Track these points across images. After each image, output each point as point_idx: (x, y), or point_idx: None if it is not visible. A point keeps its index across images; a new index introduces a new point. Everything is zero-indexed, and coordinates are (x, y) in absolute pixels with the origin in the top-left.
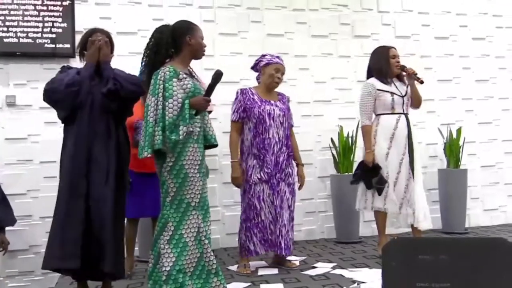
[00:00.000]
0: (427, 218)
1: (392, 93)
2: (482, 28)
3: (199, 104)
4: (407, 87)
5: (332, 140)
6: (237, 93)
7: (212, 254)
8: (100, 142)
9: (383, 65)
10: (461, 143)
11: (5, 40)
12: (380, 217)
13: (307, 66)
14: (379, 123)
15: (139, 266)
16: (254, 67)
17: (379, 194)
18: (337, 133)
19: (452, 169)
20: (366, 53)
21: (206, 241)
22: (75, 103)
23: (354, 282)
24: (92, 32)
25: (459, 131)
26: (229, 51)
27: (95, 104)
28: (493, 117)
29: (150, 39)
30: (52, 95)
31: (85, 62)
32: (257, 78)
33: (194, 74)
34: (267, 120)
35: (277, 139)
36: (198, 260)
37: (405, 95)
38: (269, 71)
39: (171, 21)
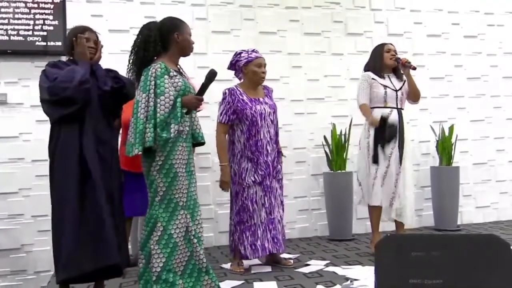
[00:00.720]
0: (413, 215)
1: (385, 86)
2: (474, 26)
3: (191, 103)
4: (403, 82)
5: (325, 137)
6: (225, 93)
7: (202, 253)
8: (104, 141)
9: (377, 60)
10: (453, 140)
11: None
12: (375, 214)
13: (300, 64)
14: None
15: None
16: (231, 67)
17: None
18: (330, 131)
19: (444, 167)
20: (359, 50)
21: (195, 240)
22: (86, 101)
23: (347, 279)
24: (84, 30)
25: (451, 128)
26: (222, 49)
27: (94, 103)
28: (485, 115)
29: (138, 35)
30: (61, 92)
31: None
32: (238, 76)
33: (183, 72)
34: (259, 121)
35: (268, 139)
36: (188, 259)
37: (399, 89)
38: (251, 68)
39: None
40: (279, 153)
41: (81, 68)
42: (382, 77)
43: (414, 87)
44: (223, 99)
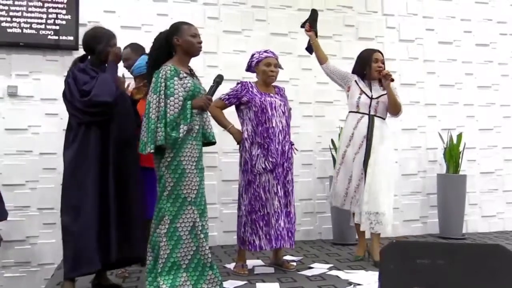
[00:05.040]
0: (377, 223)
1: (362, 92)
2: (486, 34)
3: (202, 102)
4: (385, 93)
5: (332, 141)
6: (237, 84)
7: (207, 248)
8: (129, 144)
9: (365, 67)
10: (461, 148)
11: (9, 30)
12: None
13: (310, 67)
14: (346, 121)
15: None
16: (249, 69)
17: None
18: (337, 135)
19: (451, 175)
20: None
21: (202, 236)
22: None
23: (350, 284)
24: (114, 36)
25: (459, 136)
26: (232, 49)
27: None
28: (494, 124)
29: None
30: (97, 105)
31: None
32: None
33: (194, 74)
34: (269, 109)
35: (280, 128)
36: (193, 253)
37: (375, 98)
38: (261, 68)
39: (175, 17)
40: (292, 145)
41: (111, 77)
42: (364, 82)
43: (393, 100)
44: (234, 87)
